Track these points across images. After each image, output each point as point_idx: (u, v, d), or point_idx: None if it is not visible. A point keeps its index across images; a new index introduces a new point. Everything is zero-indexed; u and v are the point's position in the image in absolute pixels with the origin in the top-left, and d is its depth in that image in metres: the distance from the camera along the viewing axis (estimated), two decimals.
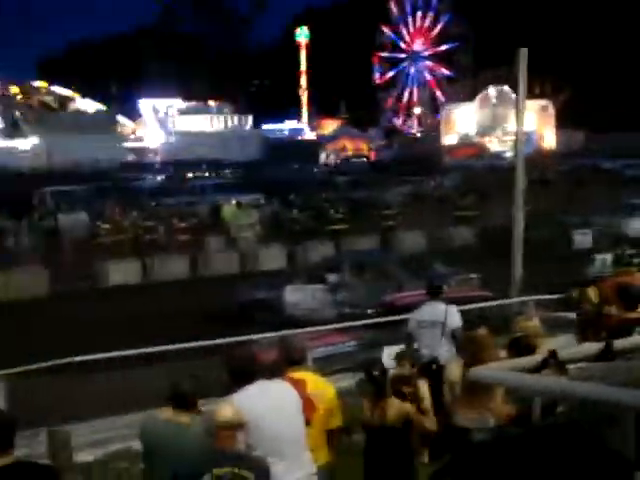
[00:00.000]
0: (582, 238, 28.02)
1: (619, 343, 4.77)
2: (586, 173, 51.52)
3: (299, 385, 6.45)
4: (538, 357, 4.52)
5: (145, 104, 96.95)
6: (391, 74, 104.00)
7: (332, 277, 20.03)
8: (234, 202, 32.60)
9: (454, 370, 8.35)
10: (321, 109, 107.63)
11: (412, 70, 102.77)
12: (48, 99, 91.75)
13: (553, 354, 4.36)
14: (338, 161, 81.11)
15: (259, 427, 5.85)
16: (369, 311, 16.91)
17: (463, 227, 32.28)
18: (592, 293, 10.89)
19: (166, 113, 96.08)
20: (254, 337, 12.79)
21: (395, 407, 8.27)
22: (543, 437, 4.25)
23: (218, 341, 11.22)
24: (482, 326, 9.10)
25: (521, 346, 7.67)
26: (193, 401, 5.98)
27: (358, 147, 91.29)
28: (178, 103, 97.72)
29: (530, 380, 3.99)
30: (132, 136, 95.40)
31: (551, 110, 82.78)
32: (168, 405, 5.95)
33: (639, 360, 4.46)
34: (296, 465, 6.10)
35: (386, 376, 8.59)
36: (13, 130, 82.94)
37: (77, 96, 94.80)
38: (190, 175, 57.42)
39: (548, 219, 28.82)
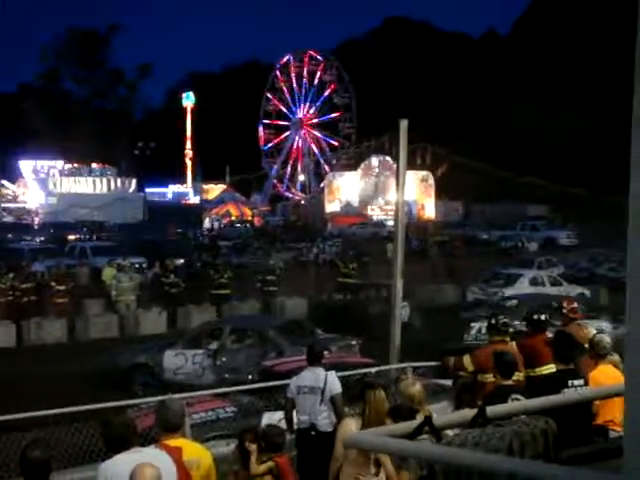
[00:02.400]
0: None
1: (492, 410, 4.85)
2: (464, 243, 52.69)
3: (174, 452, 6.34)
4: (413, 423, 4.56)
5: (25, 164, 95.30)
6: (276, 141, 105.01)
7: (212, 342, 19.89)
8: (115, 265, 32.12)
9: (352, 429, 8.34)
10: (206, 174, 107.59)
11: (297, 138, 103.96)
12: None
13: (428, 420, 4.41)
14: (222, 226, 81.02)
15: None
16: (249, 377, 16.81)
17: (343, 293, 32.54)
18: (467, 361, 11.08)
19: (47, 174, 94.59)
20: (130, 402, 12.56)
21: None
22: None
23: (93, 406, 10.94)
24: (379, 387, 9.19)
25: (401, 413, 7.73)
26: (45, 470, 5.82)
27: (242, 212, 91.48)
28: (60, 164, 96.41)
29: (404, 445, 4.01)
30: (11, 197, 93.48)
31: (431, 181, 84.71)
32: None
33: (511, 427, 4.54)
34: None
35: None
36: None
37: None
38: (71, 237, 56.38)
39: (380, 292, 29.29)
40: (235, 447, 9.19)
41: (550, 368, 9.85)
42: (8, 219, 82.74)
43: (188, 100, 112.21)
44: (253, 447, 8.45)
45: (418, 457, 4.22)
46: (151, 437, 8.50)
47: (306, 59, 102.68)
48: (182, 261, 34.17)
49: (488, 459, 3.86)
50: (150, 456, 6.05)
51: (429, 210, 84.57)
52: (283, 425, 10.87)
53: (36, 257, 37.25)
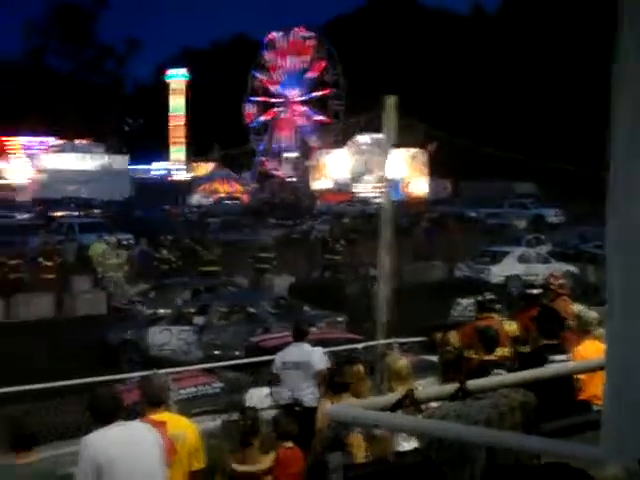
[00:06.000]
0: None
1: (473, 383, 4.90)
2: (452, 221, 52.58)
3: (160, 427, 6.36)
4: (395, 396, 4.60)
5: (13, 141, 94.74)
6: (263, 118, 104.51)
7: (199, 318, 19.89)
8: (103, 241, 32.07)
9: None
10: (195, 151, 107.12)
11: (284, 115, 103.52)
12: None
13: (409, 393, 4.45)
14: (211, 203, 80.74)
15: (113, 470, 5.71)
16: (236, 352, 16.86)
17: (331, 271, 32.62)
18: (453, 337, 11.14)
19: (35, 150, 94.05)
20: (117, 377, 12.59)
21: (258, 457, 8.26)
22: (397, 476, 4.33)
23: (81, 381, 10.97)
24: (358, 363, 9.25)
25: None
26: (32, 442, 5.88)
27: (231, 189, 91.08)
28: (48, 141, 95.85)
29: (385, 418, 4.05)
30: None
31: (421, 158, 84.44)
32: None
33: (490, 399, 4.58)
34: None
35: (257, 423, 8.60)
36: None
37: None
38: (58, 214, 56.13)
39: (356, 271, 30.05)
40: (236, 422, 9.17)
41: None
42: None
43: (178, 76, 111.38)
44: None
45: (399, 429, 4.26)
46: (136, 412, 8.53)
47: (294, 36, 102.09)
48: (170, 238, 34.05)
49: (468, 431, 3.91)
50: (136, 429, 6.08)
51: (420, 187, 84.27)
52: (269, 400, 10.93)
53: (25, 233, 37.12)
